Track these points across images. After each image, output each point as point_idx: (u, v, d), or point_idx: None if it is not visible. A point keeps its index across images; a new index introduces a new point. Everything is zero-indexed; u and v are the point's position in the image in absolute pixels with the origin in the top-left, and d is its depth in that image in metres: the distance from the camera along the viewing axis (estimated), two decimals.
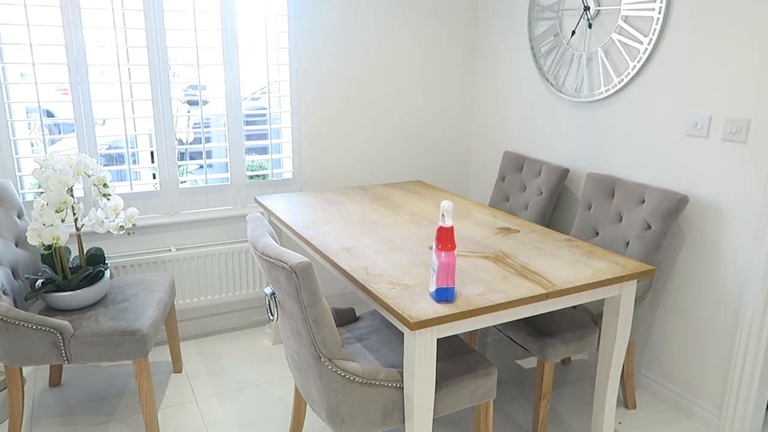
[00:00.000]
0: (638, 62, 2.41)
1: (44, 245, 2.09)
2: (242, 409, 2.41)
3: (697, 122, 2.23)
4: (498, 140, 3.34)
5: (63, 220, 2.08)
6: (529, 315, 1.78)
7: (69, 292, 2.14)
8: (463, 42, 3.37)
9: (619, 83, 2.51)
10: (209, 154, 3.91)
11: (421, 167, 3.45)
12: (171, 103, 2.75)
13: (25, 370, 2.65)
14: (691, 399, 2.39)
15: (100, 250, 2.31)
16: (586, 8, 2.62)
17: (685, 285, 2.36)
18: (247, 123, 3.01)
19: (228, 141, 2.90)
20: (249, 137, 3.01)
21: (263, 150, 3.22)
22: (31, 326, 1.98)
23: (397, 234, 2.24)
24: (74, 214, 2.18)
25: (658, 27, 2.31)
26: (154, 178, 2.87)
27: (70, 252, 2.27)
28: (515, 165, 3.05)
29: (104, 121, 2.95)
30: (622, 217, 2.42)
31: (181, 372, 2.67)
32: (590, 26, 2.63)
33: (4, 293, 2.00)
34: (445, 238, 1.60)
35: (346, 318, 2.17)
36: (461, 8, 3.31)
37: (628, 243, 2.36)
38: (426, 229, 2.31)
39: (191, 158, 3.28)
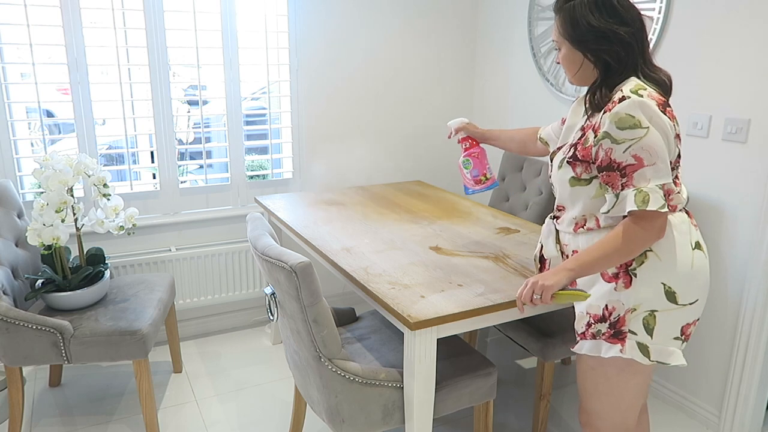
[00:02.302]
0: None
1: (44, 245, 2.09)
2: (242, 409, 2.41)
3: (697, 122, 2.23)
4: None
5: (63, 220, 2.08)
6: (529, 315, 1.78)
7: (69, 292, 2.14)
8: (463, 42, 3.37)
9: None
10: (209, 154, 3.90)
11: (421, 167, 3.45)
12: (171, 103, 2.75)
13: (25, 370, 2.64)
14: (691, 399, 2.39)
15: (100, 250, 2.31)
16: None
17: None
18: (247, 123, 3.01)
19: (228, 141, 2.90)
20: (249, 137, 3.01)
21: (263, 150, 3.22)
22: (31, 326, 1.98)
23: (397, 234, 2.24)
24: (74, 214, 2.18)
25: (658, 27, 2.31)
26: (154, 178, 2.87)
27: (70, 252, 2.27)
28: (515, 165, 3.05)
29: (104, 121, 2.94)
30: None
31: (181, 372, 2.67)
32: None
33: (4, 293, 2.00)
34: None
35: (346, 318, 2.17)
36: (461, 8, 3.31)
37: None
38: (426, 229, 2.31)
39: (191, 158, 3.27)
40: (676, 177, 1.45)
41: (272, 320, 1.84)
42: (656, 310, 1.42)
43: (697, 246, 1.46)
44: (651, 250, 1.42)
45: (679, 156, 1.43)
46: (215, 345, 2.93)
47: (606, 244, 1.42)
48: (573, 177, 1.48)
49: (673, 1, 2.28)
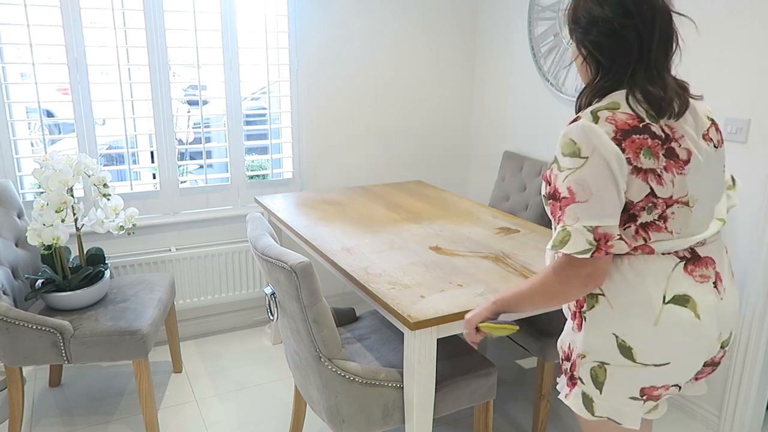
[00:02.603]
0: None
1: (44, 245, 2.09)
2: (242, 409, 2.41)
3: None
4: (498, 140, 3.34)
5: (63, 220, 2.08)
6: (529, 315, 1.78)
7: (69, 292, 2.14)
8: (463, 42, 3.37)
9: None
10: (209, 154, 3.91)
11: (421, 167, 3.45)
12: (171, 103, 2.75)
13: (25, 370, 2.64)
14: (691, 399, 2.39)
15: (100, 250, 2.31)
16: None
17: None
18: (247, 123, 3.01)
19: (228, 141, 2.90)
20: (249, 137, 3.01)
21: (263, 150, 3.22)
22: (31, 326, 1.98)
23: (397, 234, 2.24)
24: (74, 214, 2.18)
25: None
26: (154, 178, 2.87)
27: (70, 252, 2.27)
28: (515, 165, 3.05)
29: (104, 121, 2.95)
30: None
31: (181, 372, 2.67)
32: None
33: (4, 293, 2.00)
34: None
35: (346, 318, 2.17)
36: (461, 8, 3.31)
37: None
38: (426, 229, 2.31)
39: (191, 158, 3.28)
40: (661, 219, 1.18)
41: (272, 320, 1.84)
42: (607, 363, 1.21)
43: (678, 301, 1.18)
44: (603, 294, 1.22)
45: (652, 195, 1.16)
46: (215, 345, 2.93)
47: (529, 284, 1.26)
48: (544, 195, 1.25)
49: (673, 1, 2.27)
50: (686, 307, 1.18)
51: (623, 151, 1.13)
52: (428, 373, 1.63)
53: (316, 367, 1.65)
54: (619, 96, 1.19)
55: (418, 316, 1.56)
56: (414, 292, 1.71)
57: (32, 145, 2.75)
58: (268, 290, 1.79)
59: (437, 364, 1.75)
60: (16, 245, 2.28)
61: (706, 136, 1.23)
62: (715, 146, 1.25)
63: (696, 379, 1.33)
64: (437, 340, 1.61)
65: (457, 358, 1.88)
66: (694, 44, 2.21)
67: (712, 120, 1.27)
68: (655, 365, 1.19)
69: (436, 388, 1.71)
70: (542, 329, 2.13)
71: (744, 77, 2.06)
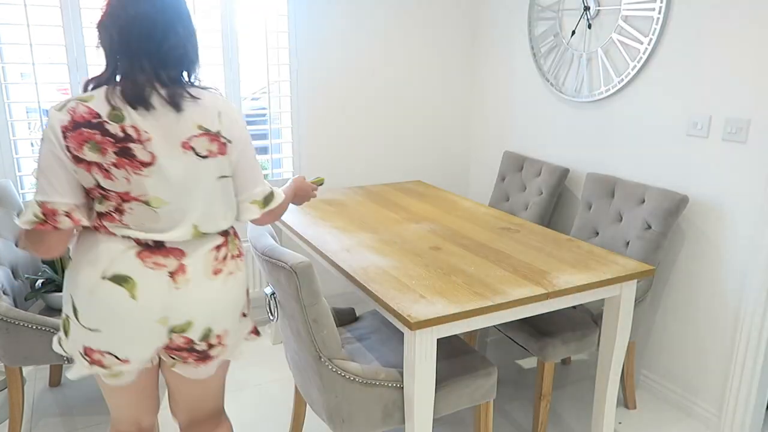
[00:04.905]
0: (638, 62, 2.41)
1: None
2: (242, 409, 2.41)
3: (697, 122, 2.23)
4: (498, 140, 3.34)
5: None
6: (529, 315, 1.78)
7: None
8: (463, 42, 3.37)
9: (619, 83, 2.52)
10: None
11: (421, 167, 3.45)
12: None
13: (25, 370, 2.64)
14: (691, 399, 2.39)
15: None
16: (586, 8, 2.62)
17: (685, 285, 2.36)
18: (247, 123, 3.00)
19: None
20: None
21: (263, 150, 3.22)
22: (31, 326, 1.98)
23: (397, 234, 2.24)
24: None
25: (658, 27, 2.31)
26: None
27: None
28: (515, 165, 3.05)
29: None
30: (622, 217, 2.42)
31: None
32: (590, 26, 2.63)
33: (4, 293, 2.00)
34: None
35: (346, 318, 2.17)
36: (461, 8, 3.31)
37: (628, 243, 2.36)
38: (426, 229, 2.31)
39: None
40: (117, 212, 1.29)
41: (272, 320, 1.84)
42: (68, 315, 1.36)
43: (115, 279, 1.30)
44: (71, 258, 1.38)
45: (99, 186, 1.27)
46: None
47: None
48: None
49: (672, 1, 2.28)
50: (122, 285, 1.31)
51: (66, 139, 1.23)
52: (428, 373, 1.63)
53: (316, 367, 1.65)
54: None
55: (418, 316, 1.56)
56: (414, 292, 1.71)
57: (32, 145, 2.75)
58: (268, 290, 1.79)
59: (437, 364, 1.75)
60: (16, 245, 2.28)
61: (185, 145, 1.29)
62: (201, 156, 1.30)
63: (172, 358, 1.41)
64: (437, 340, 1.61)
65: (457, 358, 1.88)
66: (694, 44, 2.21)
67: (206, 130, 1.31)
68: (89, 329, 1.33)
69: (436, 388, 1.71)
70: (542, 329, 2.13)
71: (744, 77, 2.06)
